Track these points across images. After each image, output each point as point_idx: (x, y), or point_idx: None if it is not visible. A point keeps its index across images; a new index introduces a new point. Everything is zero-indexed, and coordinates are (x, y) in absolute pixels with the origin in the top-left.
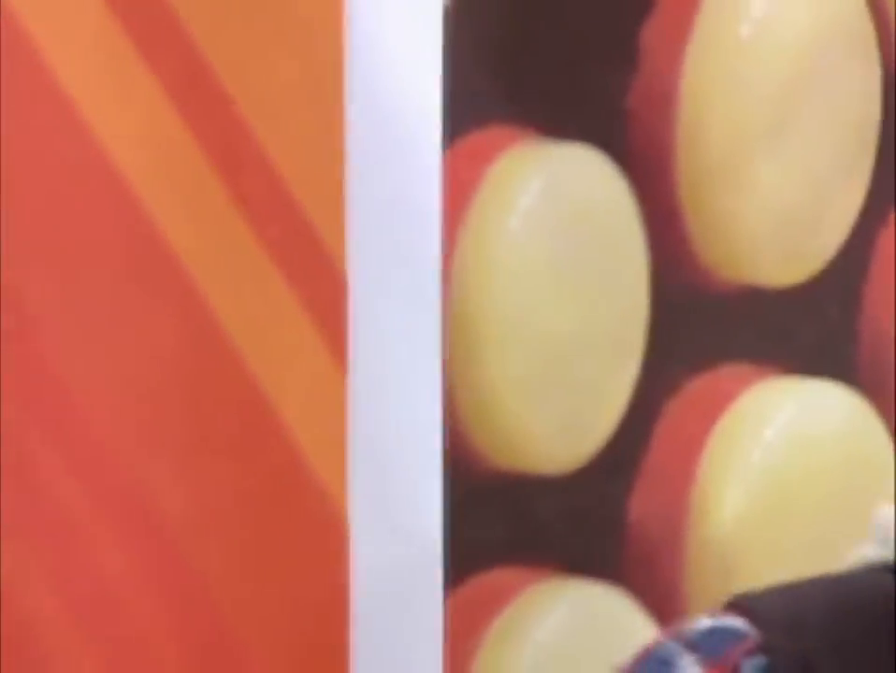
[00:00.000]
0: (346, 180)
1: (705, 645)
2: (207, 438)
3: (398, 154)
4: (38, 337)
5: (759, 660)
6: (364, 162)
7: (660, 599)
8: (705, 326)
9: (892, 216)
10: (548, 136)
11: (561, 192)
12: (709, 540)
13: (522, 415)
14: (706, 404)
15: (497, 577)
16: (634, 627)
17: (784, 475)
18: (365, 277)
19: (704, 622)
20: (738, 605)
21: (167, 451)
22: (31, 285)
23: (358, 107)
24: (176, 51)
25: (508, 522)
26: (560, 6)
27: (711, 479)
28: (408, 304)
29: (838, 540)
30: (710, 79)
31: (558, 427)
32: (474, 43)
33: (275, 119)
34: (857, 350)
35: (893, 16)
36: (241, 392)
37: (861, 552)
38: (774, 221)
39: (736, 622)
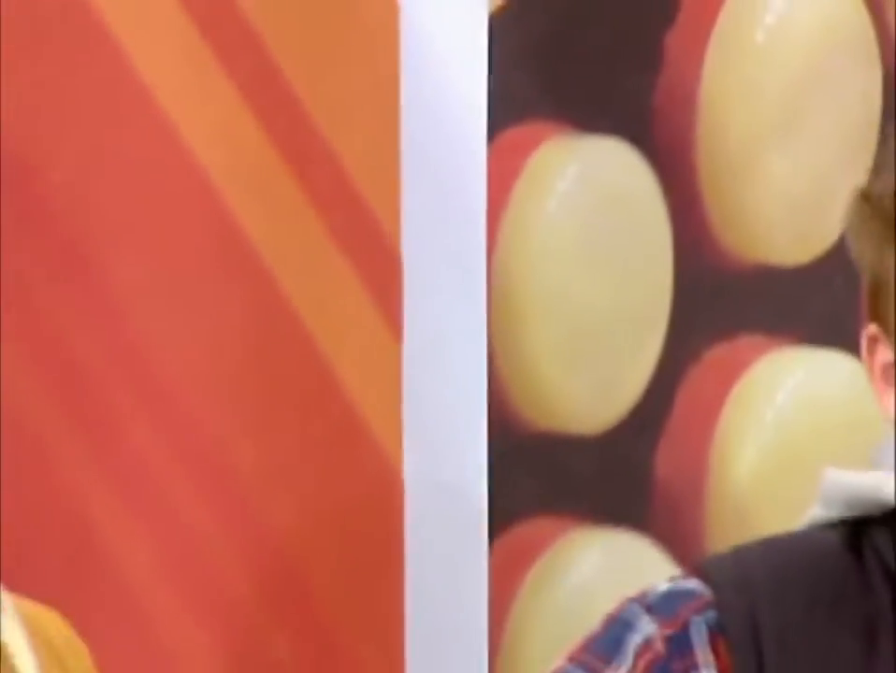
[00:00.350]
0: (402, 172)
1: (661, 606)
2: (277, 402)
3: (448, 147)
4: (130, 313)
5: (710, 615)
6: (417, 154)
7: (683, 546)
8: (723, 301)
9: None
10: (582, 130)
11: (594, 179)
12: (726, 493)
13: (558, 380)
14: (724, 370)
15: (535, 526)
16: (659, 571)
17: (793, 434)
18: (417, 257)
19: (663, 585)
20: (695, 568)
21: (243, 413)
22: (122, 267)
23: (412, 106)
24: (249, 57)
25: (545, 477)
26: (592, 15)
27: (728, 438)
28: (456, 281)
29: None
30: (727, 81)
31: (591, 391)
32: (515, 48)
33: (338, 117)
34: (859, 321)
35: (892, 22)
36: (307, 360)
37: (809, 514)
38: (785, 208)
39: (692, 583)
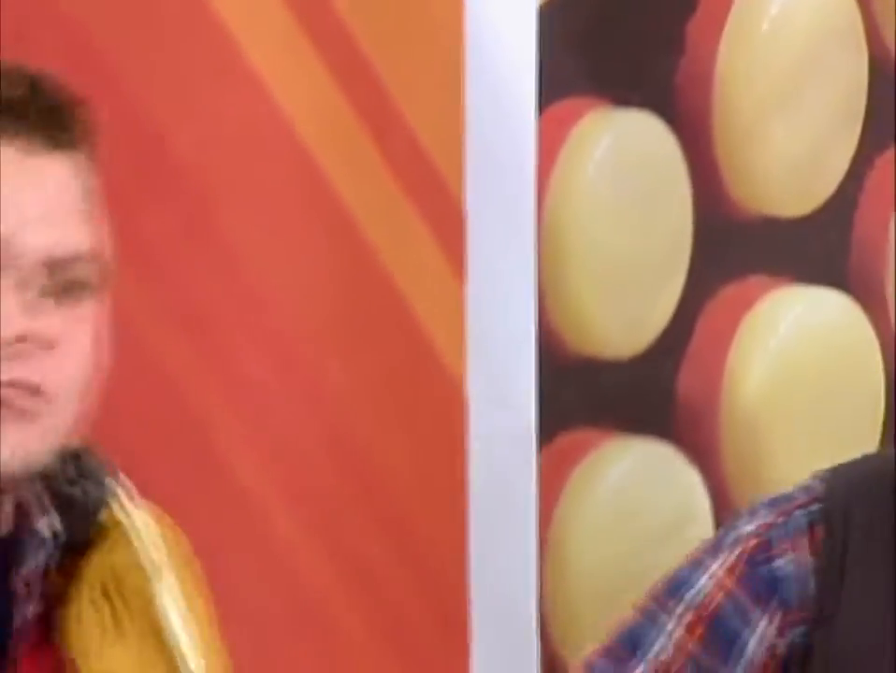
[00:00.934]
0: (466, 139)
1: (773, 502)
2: (361, 331)
3: (504, 119)
4: (243, 259)
5: (814, 508)
6: (478, 124)
7: (701, 452)
8: (734, 247)
9: (877, 162)
10: (616, 105)
11: (626, 146)
12: (738, 408)
13: (596, 313)
14: (735, 305)
15: (577, 436)
16: (680, 474)
17: (793, 358)
18: (478, 211)
19: (790, 487)
20: (821, 472)
21: (334, 339)
22: (235, 220)
23: (475, 82)
24: (336, 38)
25: (585, 395)
26: (625, 6)
27: (739, 362)
28: (510, 230)
29: (835, 406)
30: (738, 62)
31: (623, 322)
32: (559, 35)
33: (412, 91)
34: (849, 264)
35: (878, 12)
36: (387, 296)
37: None
38: (786, 168)
39: (812, 482)
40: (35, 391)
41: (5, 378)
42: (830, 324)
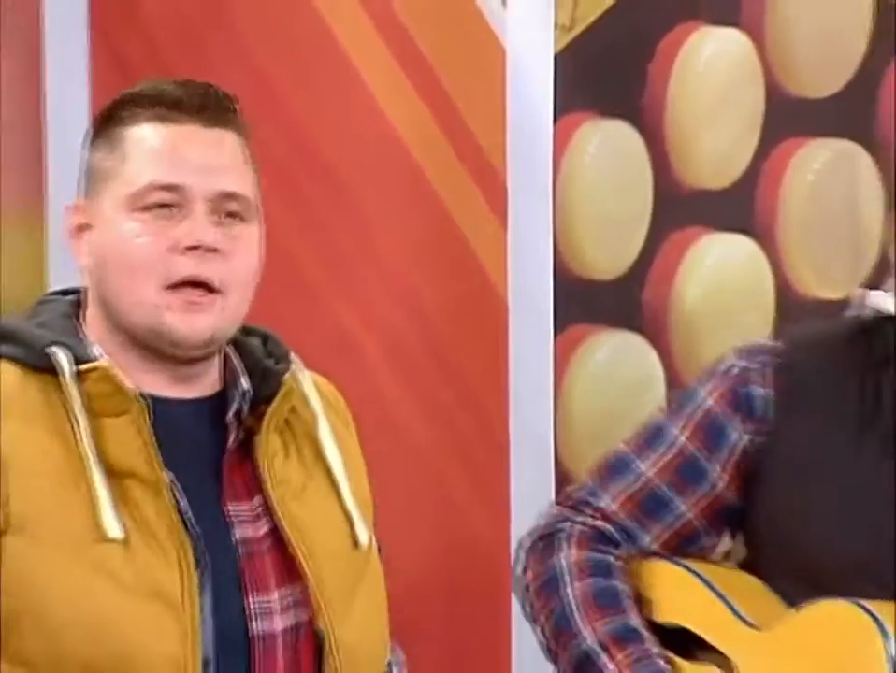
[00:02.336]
0: (507, 137)
1: (749, 350)
2: (435, 257)
3: (532, 124)
4: (361, 207)
5: (776, 359)
6: (516, 129)
7: (659, 340)
8: (679, 208)
9: (772, 153)
10: (603, 117)
11: (609, 143)
12: (682, 311)
13: (591, 250)
14: (680, 246)
15: (577, 330)
16: (645, 354)
17: (716, 280)
18: (515, 184)
19: (761, 340)
20: (780, 335)
21: (417, 260)
22: (355, 184)
23: (514, 102)
24: (423, 72)
25: (583, 302)
26: (608, 55)
27: (682, 285)
28: (536, 197)
29: (742, 308)
30: (682, 90)
31: (609, 256)
32: (567, 71)
33: (472, 106)
34: (753, 219)
35: (771, 58)
36: (453, 238)
37: (846, 314)
38: (713, 159)
39: (773, 342)
40: (206, 285)
41: (192, 272)
42: (739, 259)
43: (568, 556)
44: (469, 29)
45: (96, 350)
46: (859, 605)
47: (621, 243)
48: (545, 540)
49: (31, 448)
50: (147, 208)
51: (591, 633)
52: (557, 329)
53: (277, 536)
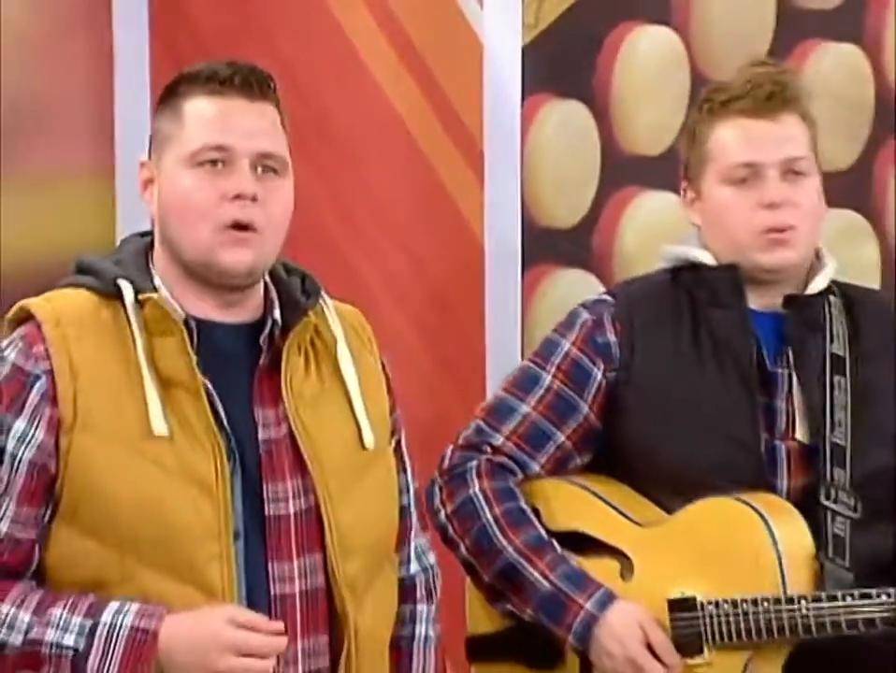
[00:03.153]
0: (484, 113)
1: (591, 305)
2: (426, 208)
3: (505, 103)
4: (369, 171)
5: (612, 310)
6: (492, 107)
7: (612, 281)
8: (621, 172)
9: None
10: (561, 97)
11: (566, 118)
12: (622, 252)
13: (551, 203)
14: (621, 201)
15: (539, 269)
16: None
17: (647, 227)
18: (490, 151)
19: (595, 296)
20: (609, 290)
21: (412, 205)
22: (364, 152)
23: (490, 85)
24: (419, 66)
25: (545, 247)
26: (565, 50)
27: (623, 231)
28: (508, 160)
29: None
30: (624, 78)
31: (567, 209)
32: (531, 60)
33: (458, 91)
34: (675, 179)
35: (696, 49)
36: (440, 194)
37: (658, 265)
38: (646, 134)
39: (606, 296)
40: (249, 227)
41: (237, 216)
42: (668, 212)
43: (477, 487)
44: (453, 27)
45: (157, 281)
46: (740, 499)
47: (575, 199)
48: (456, 477)
49: (99, 360)
50: (201, 165)
51: (511, 547)
52: (524, 268)
53: (292, 437)
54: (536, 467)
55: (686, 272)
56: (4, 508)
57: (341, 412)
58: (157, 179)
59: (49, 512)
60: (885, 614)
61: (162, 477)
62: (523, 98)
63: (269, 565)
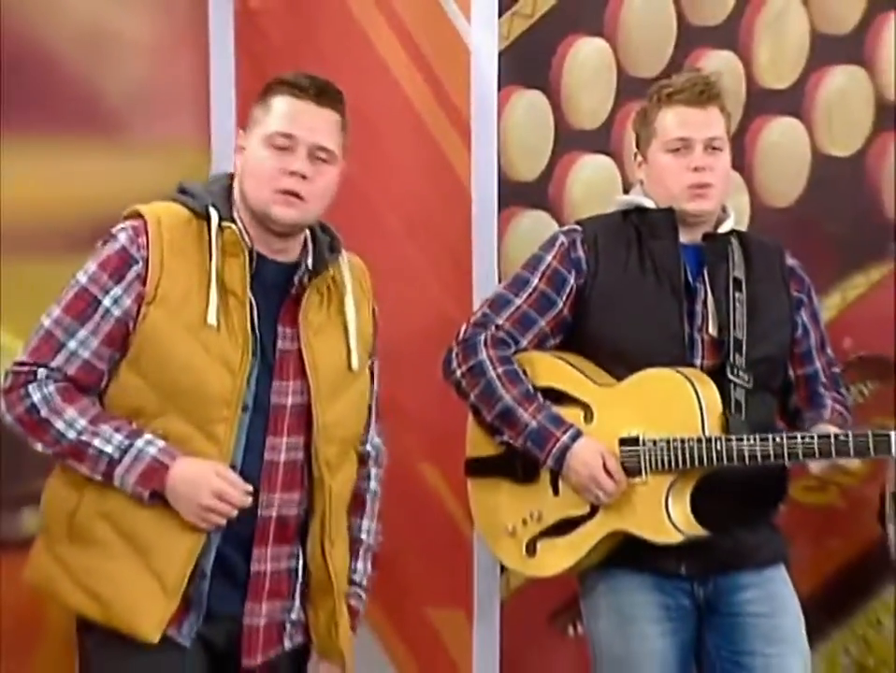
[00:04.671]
0: (472, 101)
1: (565, 231)
2: (426, 173)
3: (485, 93)
4: (388, 149)
5: (580, 235)
6: (478, 95)
7: (563, 218)
8: (569, 140)
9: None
10: (526, 88)
11: (530, 104)
12: (569, 202)
13: (521, 164)
14: (570, 162)
15: (510, 211)
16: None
17: (589, 183)
18: (475, 126)
19: (569, 226)
20: (569, 225)
21: (418, 173)
22: (385, 134)
23: (476, 81)
24: (423, 65)
25: (516, 192)
26: (528, 56)
27: (570, 184)
28: (488, 135)
29: (606, 205)
30: (572, 76)
31: (530, 167)
32: (506, 61)
33: (450, 82)
34: (611, 144)
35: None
36: (440, 159)
37: (611, 207)
38: (586, 112)
39: (573, 225)
40: (297, 195)
41: (290, 186)
42: (603, 171)
43: (484, 354)
44: (449, 38)
45: (235, 214)
46: (674, 369)
47: (536, 160)
48: (469, 347)
49: (183, 260)
50: (273, 145)
51: (509, 396)
52: (500, 210)
53: (300, 351)
54: (524, 343)
55: (633, 213)
56: (89, 342)
57: (339, 341)
58: (246, 147)
59: (119, 355)
60: (774, 451)
61: (203, 353)
62: (499, 89)
63: (266, 437)
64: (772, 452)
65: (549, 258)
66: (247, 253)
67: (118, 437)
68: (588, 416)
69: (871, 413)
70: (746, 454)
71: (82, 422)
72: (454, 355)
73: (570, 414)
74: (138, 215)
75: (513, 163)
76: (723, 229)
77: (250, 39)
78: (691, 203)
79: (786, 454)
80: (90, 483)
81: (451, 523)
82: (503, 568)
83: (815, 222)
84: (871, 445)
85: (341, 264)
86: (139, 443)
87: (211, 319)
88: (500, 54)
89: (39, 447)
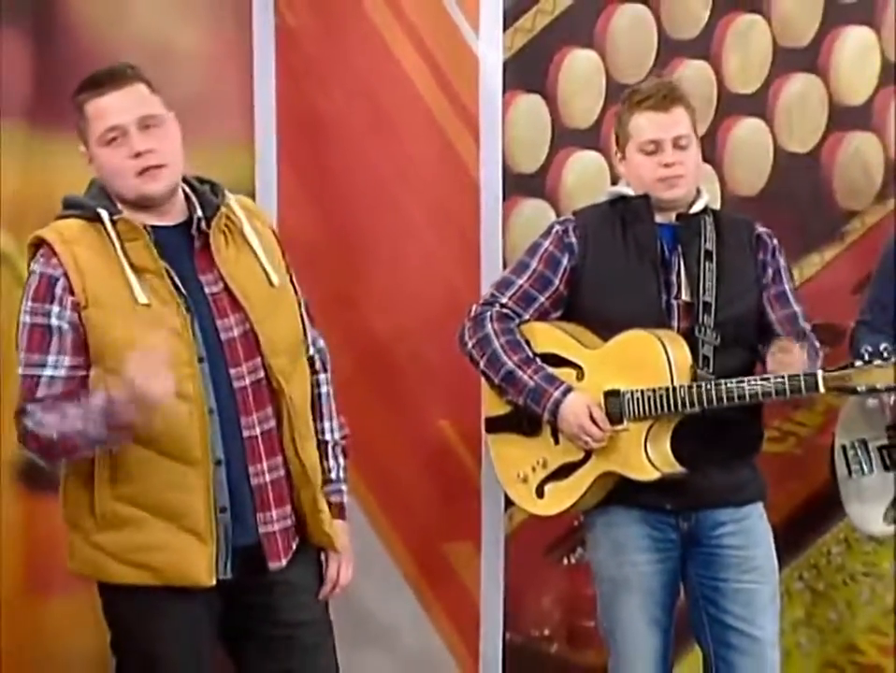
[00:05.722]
0: (480, 103)
1: (560, 222)
2: (438, 165)
3: (491, 96)
4: (402, 138)
5: (573, 224)
6: (485, 97)
7: (560, 208)
8: (566, 137)
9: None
10: (527, 93)
11: (529, 106)
12: (564, 193)
13: (520, 157)
14: (564, 157)
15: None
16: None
17: (583, 175)
18: (483, 124)
19: (565, 216)
20: (572, 212)
21: (432, 165)
22: (399, 123)
23: (484, 84)
24: (434, 67)
25: (516, 183)
26: (527, 65)
27: (566, 174)
28: (493, 132)
29: (598, 192)
30: (565, 81)
31: (530, 160)
32: (510, 69)
33: (460, 82)
34: (601, 140)
35: None
36: (448, 149)
37: (602, 198)
38: (581, 115)
39: (569, 216)
40: (156, 166)
41: (144, 165)
42: (593, 164)
43: (490, 328)
44: (460, 48)
45: (120, 207)
46: (648, 331)
47: (535, 155)
48: (478, 322)
49: (94, 260)
50: (108, 142)
51: (511, 362)
52: (504, 199)
53: (227, 288)
54: (526, 317)
55: (619, 202)
56: (60, 361)
57: (253, 265)
58: (91, 157)
59: (87, 358)
60: (727, 393)
61: (148, 330)
62: (504, 93)
63: (228, 370)
64: (724, 395)
65: (546, 244)
66: (145, 232)
67: (78, 411)
68: (580, 375)
69: None
70: (705, 398)
71: (52, 419)
72: (465, 330)
73: (565, 374)
74: (40, 241)
75: (516, 157)
76: (695, 209)
77: (288, 52)
78: (665, 192)
79: (736, 395)
80: (93, 478)
81: (463, 470)
82: (507, 507)
83: (776, 209)
84: (802, 384)
85: (230, 202)
86: (92, 405)
87: (142, 298)
88: (505, 63)
89: (55, 462)
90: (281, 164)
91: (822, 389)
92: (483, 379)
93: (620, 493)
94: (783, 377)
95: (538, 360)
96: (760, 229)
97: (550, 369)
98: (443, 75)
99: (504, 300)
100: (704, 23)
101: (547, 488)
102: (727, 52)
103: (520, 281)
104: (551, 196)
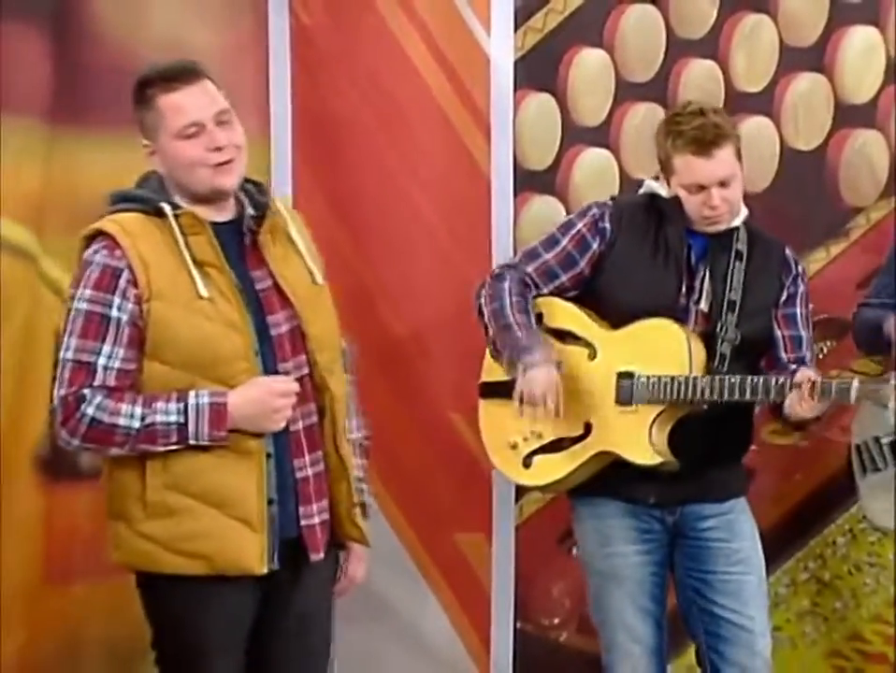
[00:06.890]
0: (491, 101)
1: (595, 204)
2: (450, 161)
3: (502, 94)
4: (415, 131)
5: (608, 210)
6: (496, 96)
7: (570, 203)
8: (576, 134)
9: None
10: (537, 91)
11: (539, 104)
12: (570, 188)
13: (530, 154)
14: (573, 154)
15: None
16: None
17: (593, 168)
18: (494, 122)
19: (602, 199)
20: (610, 198)
21: (443, 162)
22: (412, 117)
23: (495, 83)
24: (446, 68)
25: (527, 179)
26: (537, 67)
27: (576, 169)
28: (504, 130)
29: (610, 189)
30: (574, 81)
31: (540, 158)
32: (520, 69)
33: (473, 83)
34: (609, 138)
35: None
36: (459, 144)
37: (641, 192)
38: (591, 114)
39: (609, 200)
40: (229, 162)
41: (220, 159)
42: (601, 160)
43: (507, 286)
44: (472, 49)
45: (180, 201)
46: (676, 322)
47: (545, 151)
48: (498, 278)
49: (157, 253)
50: (186, 136)
51: (512, 318)
52: (516, 195)
53: (276, 285)
54: (544, 291)
55: (658, 198)
56: (115, 353)
57: (298, 264)
58: (158, 150)
59: (141, 354)
60: (740, 388)
61: (208, 323)
62: (515, 91)
63: (278, 365)
64: (748, 390)
65: (580, 224)
66: (208, 227)
67: (172, 406)
68: (592, 354)
69: (829, 367)
70: (727, 391)
71: (139, 411)
72: (484, 282)
73: (577, 351)
74: (98, 232)
75: (527, 154)
76: (733, 224)
77: (303, 49)
78: (708, 228)
79: (761, 392)
80: (144, 464)
81: (474, 462)
82: (517, 498)
83: (783, 206)
84: (833, 391)
85: (277, 203)
86: (191, 400)
87: (204, 292)
88: (516, 62)
89: (114, 451)
90: (296, 161)
91: (853, 400)
92: (488, 351)
93: (607, 485)
94: (777, 379)
95: (535, 326)
96: (789, 253)
97: (551, 341)
98: (455, 74)
99: (528, 269)
100: (712, 23)
101: (536, 459)
102: (734, 51)
103: (547, 256)
104: (561, 193)
